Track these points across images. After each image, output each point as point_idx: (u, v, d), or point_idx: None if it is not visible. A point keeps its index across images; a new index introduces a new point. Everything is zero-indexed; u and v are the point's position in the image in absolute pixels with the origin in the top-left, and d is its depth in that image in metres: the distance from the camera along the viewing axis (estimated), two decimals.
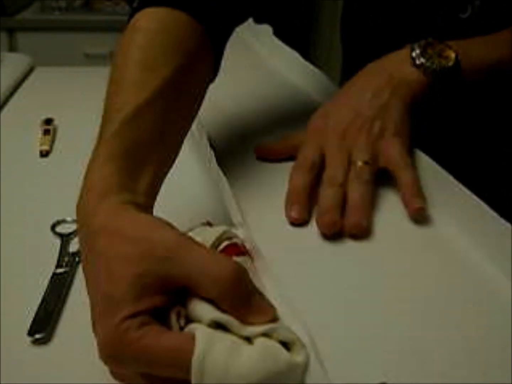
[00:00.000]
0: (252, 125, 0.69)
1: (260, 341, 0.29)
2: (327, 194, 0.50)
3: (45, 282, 0.46)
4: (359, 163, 0.52)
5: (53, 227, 0.53)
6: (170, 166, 0.45)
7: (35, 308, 0.42)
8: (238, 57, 0.91)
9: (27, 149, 0.69)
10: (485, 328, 0.41)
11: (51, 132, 0.73)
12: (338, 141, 0.54)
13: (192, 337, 0.29)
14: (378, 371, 0.36)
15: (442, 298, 0.44)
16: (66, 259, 0.49)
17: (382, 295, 0.44)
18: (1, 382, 0.37)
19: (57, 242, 0.51)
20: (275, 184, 0.55)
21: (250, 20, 1.01)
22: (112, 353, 0.31)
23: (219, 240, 0.35)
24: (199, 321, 0.30)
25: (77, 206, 0.38)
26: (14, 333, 0.41)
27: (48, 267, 0.47)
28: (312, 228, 0.51)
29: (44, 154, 0.68)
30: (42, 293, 0.44)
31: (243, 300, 0.30)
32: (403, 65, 0.57)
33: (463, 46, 0.58)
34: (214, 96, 0.73)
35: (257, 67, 0.87)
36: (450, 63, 0.56)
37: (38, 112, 0.78)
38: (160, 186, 0.43)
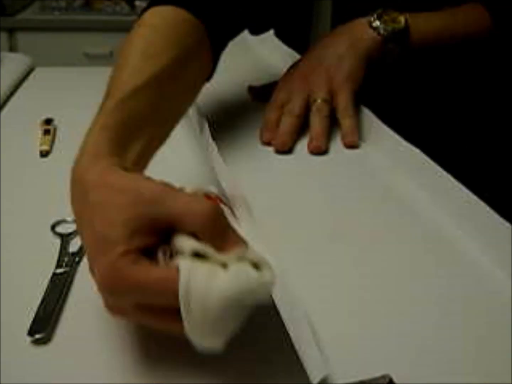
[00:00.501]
0: (251, 117, 0.70)
1: (233, 265, 0.33)
2: (284, 121, 0.65)
3: (45, 282, 0.46)
4: (319, 101, 0.66)
5: (53, 227, 0.53)
6: (159, 145, 0.50)
7: (35, 308, 0.42)
8: (239, 57, 0.91)
9: (27, 149, 0.69)
10: (485, 327, 0.41)
11: (51, 132, 0.73)
12: (300, 84, 0.67)
13: (177, 269, 0.33)
14: (381, 363, 0.36)
15: (442, 297, 0.44)
16: (66, 259, 0.49)
17: (382, 294, 0.44)
18: (1, 382, 0.37)
19: (57, 242, 0.51)
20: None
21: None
22: (110, 287, 0.35)
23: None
24: (182, 253, 0.34)
25: (73, 167, 0.42)
26: (14, 333, 0.41)
27: (48, 267, 0.47)
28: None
29: (44, 154, 0.68)
30: (42, 293, 0.44)
31: (220, 233, 0.35)
32: (361, 27, 0.70)
33: (414, 15, 0.70)
34: (215, 95, 0.73)
35: (258, 66, 0.87)
36: (401, 26, 0.69)
37: (38, 112, 0.78)
38: (148, 160, 0.48)
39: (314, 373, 0.33)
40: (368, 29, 0.69)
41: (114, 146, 0.42)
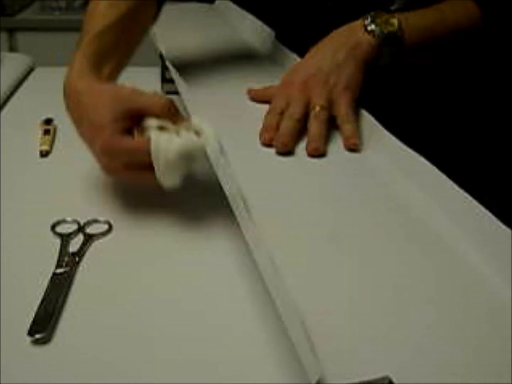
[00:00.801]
0: (251, 120, 0.70)
1: (183, 133, 0.52)
2: (284, 124, 0.66)
3: (45, 282, 0.46)
4: (317, 108, 0.67)
5: (53, 227, 0.53)
6: (124, 66, 0.68)
7: (35, 308, 0.43)
8: (240, 59, 0.91)
9: (27, 149, 0.69)
10: (485, 328, 0.41)
11: (51, 132, 0.73)
12: (300, 91, 0.68)
13: (148, 138, 0.51)
14: (380, 364, 0.37)
15: (441, 298, 0.44)
16: (66, 259, 0.49)
17: (381, 296, 0.44)
18: (1, 382, 0.37)
19: (57, 242, 0.51)
20: None
21: (253, 24, 1.02)
22: (107, 153, 0.53)
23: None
24: (150, 128, 0.52)
25: (64, 84, 0.59)
26: (14, 333, 0.41)
27: (48, 267, 0.47)
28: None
29: (44, 154, 0.68)
30: (42, 293, 0.44)
31: (174, 114, 0.54)
32: (357, 31, 0.71)
33: (404, 15, 0.72)
34: (215, 95, 0.73)
35: (260, 70, 0.87)
36: (395, 28, 0.70)
37: (38, 112, 0.78)
38: (117, 77, 0.66)
39: (311, 374, 0.33)
40: (364, 33, 0.70)
41: (92, 68, 0.60)
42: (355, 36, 0.70)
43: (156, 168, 0.51)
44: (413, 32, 0.71)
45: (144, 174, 0.52)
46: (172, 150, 0.50)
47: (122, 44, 0.67)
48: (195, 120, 0.54)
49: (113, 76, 0.65)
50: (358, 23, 0.71)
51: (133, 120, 0.53)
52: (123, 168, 0.53)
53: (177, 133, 0.52)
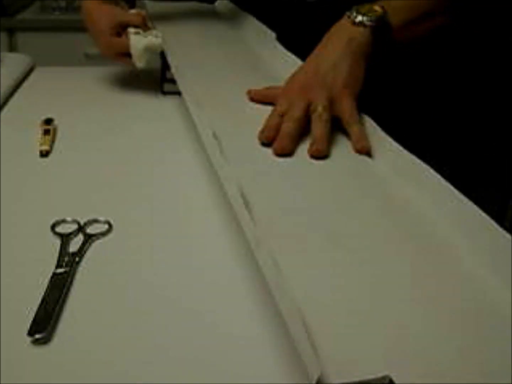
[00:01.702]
0: (251, 120, 0.70)
1: (148, 35, 0.87)
2: (284, 125, 0.66)
3: (45, 282, 0.46)
4: (319, 108, 0.66)
5: (53, 227, 0.53)
6: None
7: (35, 308, 0.42)
8: (241, 61, 0.91)
9: (27, 149, 0.69)
10: (485, 327, 0.41)
11: (51, 132, 0.73)
12: (299, 95, 0.69)
13: (130, 39, 0.87)
14: (381, 364, 0.36)
15: (441, 300, 0.44)
16: (66, 259, 0.49)
17: (381, 297, 0.44)
18: (1, 382, 0.37)
19: (57, 242, 0.51)
20: None
21: (254, 25, 1.02)
22: (106, 47, 0.88)
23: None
24: (130, 32, 0.87)
25: (81, 4, 0.92)
26: (14, 333, 0.41)
27: (48, 267, 0.47)
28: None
29: (44, 154, 0.68)
30: (42, 293, 0.44)
31: (146, 24, 0.92)
32: (346, 27, 0.71)
33: (384, 2, 0.73)
34: (215, 96, 0.73)
35: (260, 71, 0.87)
36: (380, 12, 0.71)
37: (38, 112, 0.78)
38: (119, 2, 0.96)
39: (311, 373, 0.33)
40: (353, 26, 0.71)
41: None
42: (346, 32, 0.71)
43: (133, 56, 0.86)
44: (398, 13, 0.72)
45: (126, 59, 0.87)
46: (142, 44, 0.85)
47: None
48: (157, 29, 0.93)
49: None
50: (344, 19, 0.72)
51: (122, 27, 0.88)
52: (115, 55, 0.88)
53: (145, 36, 0.87)
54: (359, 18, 0.71)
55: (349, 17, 0.71)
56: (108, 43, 0.87)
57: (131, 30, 0.87)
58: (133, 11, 0.94)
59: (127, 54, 0.85)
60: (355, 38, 0.70)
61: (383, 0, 0.73)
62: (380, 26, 0.71)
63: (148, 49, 0.86)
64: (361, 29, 0.70)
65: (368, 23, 0.70)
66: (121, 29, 0.87)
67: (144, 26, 0.89)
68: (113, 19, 0.87)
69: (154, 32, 0.89)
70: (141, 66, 0.86)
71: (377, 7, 0.72)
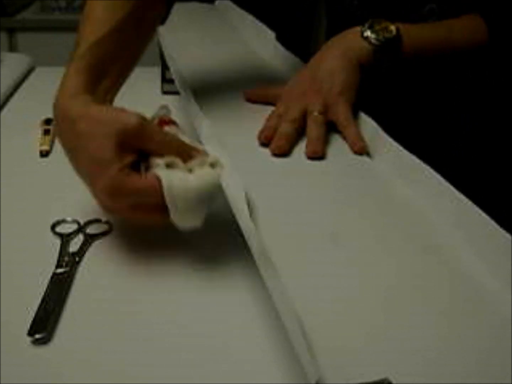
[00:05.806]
0: (251, 120, 0.70)
1: (197, 170, 0.47)
2: (282, 126, 0.67)
3: (45, 282, 0.46)
4: (315, 113, 0.68)
5: (53, 227, 0.53)
6: (123, 81, 0.60)
7: (35, 308, 0.42)
8: (241, 60, 0.91)
9: (27, 149, 0.69)
10: (485, 328, 0.41)
11: (51, 132, 0.72)
12: (297, 99, 0.70)
13: (156, 177, 0.45)
14: (380, 367, 0.36)
15: (441, 302, 0.44)
16: (66, 259, 0.49)
17: (381, 298, 0.44)
18: (1, 382, 0.37)
19: (57, 242, 0.51)
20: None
21: (254, 25, 1.02)
22: (112, 194, 0.45)
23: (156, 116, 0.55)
24: (157, 166, 0.46)
25: (53, 105, 0.50)
26: (14, 333, 0.41)
27: (48, 267, 0.47)
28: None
29: (44, 154, 0.68)
30: (42, 293, 0.44)
31: (184, 150, 0.48)
32: (352, 37, 0.71)
33: (407, 25, 0.71)
34: (215, 96, 0.73)
35: (260, 71, 0.87)
36: (392, 35, 0.70)
37: (38, 112, 0.78)
38: (115, 94, 0.57)
39: (310, 375, 0.33)
40: (359, 38, 0.70)
41: (87, 86, 0.51)
42: (349, 42, 0.71)
43: (172, 209, 0.46)
44: (413, 43, 0.70)
45: (153, 215, 0.47)
46: (192, 189, 0.45)
47: (123, 54, 0.58)
48: (208, 149, 0.50)
49: (112, 91, 0.56)
50: (355, 29, 0.72)
51: (136, 153, 0.47)
52: (129, 208, 0.47)
53: (190, 170, 0.47)
54: (367, 33, 0.70)
55: (361, 28, 0.71)
56: (118, 187, 0.45)
57: (159, 161, 0.47)
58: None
59: (154, 206, 0.46)
60: (355, 49, 0.70)
61: (407, 24, 0.71)
62: (386, 47, 0.70)
63: (204, 196, 0.46)
64: (365, 44, 0.70)
65: (374, 41, 0.70)
66: (134, 156, 0.47)
67: (186, 155, 0.48)
68: (126, 136, 0.46)
69: (201, 157, 0.48)
70: (190, 227, 0.48)
71: (392, 28, 0.70)
